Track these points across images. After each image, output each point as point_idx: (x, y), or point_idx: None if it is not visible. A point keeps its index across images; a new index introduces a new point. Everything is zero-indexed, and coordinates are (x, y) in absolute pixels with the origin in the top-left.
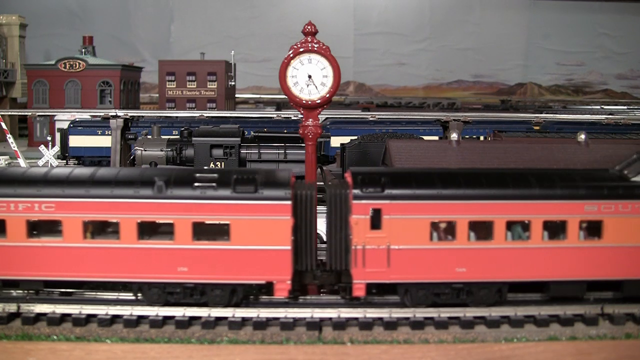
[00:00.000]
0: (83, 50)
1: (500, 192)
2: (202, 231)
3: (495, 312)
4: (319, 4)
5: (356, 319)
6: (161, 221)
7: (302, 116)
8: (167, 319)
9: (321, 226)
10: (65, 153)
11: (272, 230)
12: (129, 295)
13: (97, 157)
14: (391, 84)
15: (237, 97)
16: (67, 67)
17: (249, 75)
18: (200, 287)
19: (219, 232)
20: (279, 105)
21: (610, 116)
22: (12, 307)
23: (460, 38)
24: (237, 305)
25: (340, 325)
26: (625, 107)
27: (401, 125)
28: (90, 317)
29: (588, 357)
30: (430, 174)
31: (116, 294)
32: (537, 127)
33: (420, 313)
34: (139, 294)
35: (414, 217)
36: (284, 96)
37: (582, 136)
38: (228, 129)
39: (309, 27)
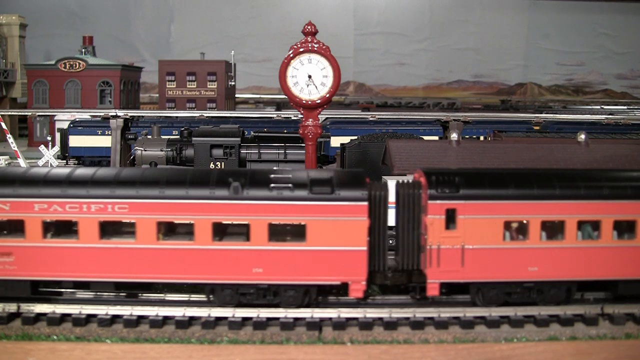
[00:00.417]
0: (83, 50)
1: (572, 192)
2: (276, 232)
3: (495, 312)
4: (319, 4)
5: (356, 319)
6: (237, 222)
7: (302, 116)
8: (167, 319)
9: None
10: (65, 153)
11: (348, 231)
12: (200, 297)
13: (97, 157)
14: (391, 84)
15: (237, 97)
16: (67, 67)
17: (249, 75)
18: (273, 288)
19: (294, 233)
20: (279, 105)
21: (610, 116)
22: (12, 307)
23: (460, 38)
24: (308, 305)
25: (340, 325)
26: (625, 107)
27: (401, 125)
28: (90, 317)
29: (588, 357)
30: (503, 174)
31: (187, 295)
32: (537, 127)
33: (420, 313)
34: (211, 296)
35: (488, 217)
36: (284, 96)
37: (582, 136)
38: (228, 129)
39: (309, 27)
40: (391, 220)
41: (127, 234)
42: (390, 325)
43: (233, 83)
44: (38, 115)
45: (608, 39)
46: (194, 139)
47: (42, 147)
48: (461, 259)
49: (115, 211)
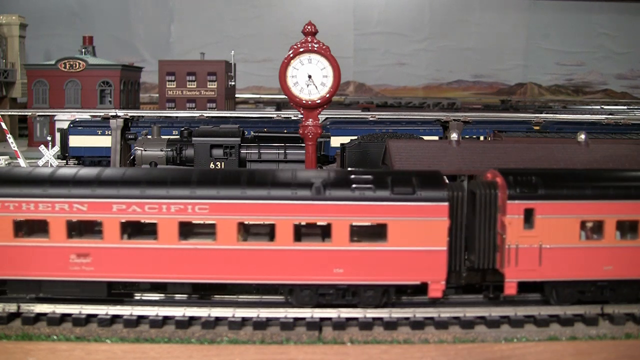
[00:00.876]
0: (83, 50)
1: None
2: (356, 232)
3: (495, 312)
4: (319, 4)
5: (356, 319)
6: (319, 223)
7: (302, 116)
8: (167, 319)
9: None
10: (65, 153)
11: (429, 231)
12: (277, 298)
13: (97, 157)
14: (391, 84)
15: (237, 97)
16: (67, 67)
17: (249, 75)
18: (353, 289)
19: (375, 233)
20: (279, 105)
21: (610, 116)
22: (12, 307)
23: (460, 38)
24: (385, 305)
25: (340, 325)
26: (625, 107)
27: (401, 125)
28: (90, 317)
29: (588, 357)
30: (579, 174)
31: (259, 296)
32: (537, 127)
33: (420, 313)
34: (289, 297)
35: (565, 217)
36: (284, 96)
37: (582, 136)
38: (228, 129)
39: (309, 27)
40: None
41: (204, 234)
42: (390, 325)
43: (233, 83)
44: (38, 115)
45: (608, 39)
46: (194, 139)
47: (42, 147)
48: (538, 258)
49: (196, 212)
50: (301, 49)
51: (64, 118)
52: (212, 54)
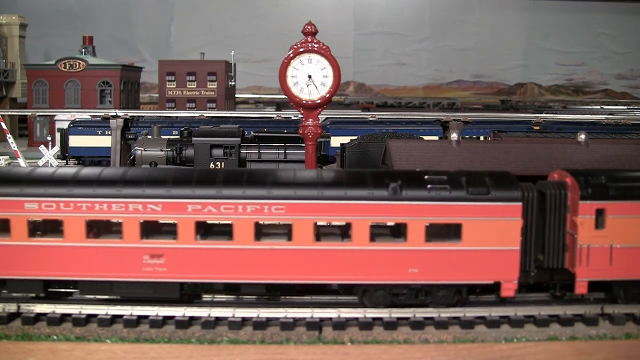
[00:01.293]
0: (83, 50)
1: None
2: (430, 232)
3: (495, 312)
4: (319, 4)
5: (356, 319)
6: (394, 223)
7: (302, 116)
8: (167, 319)
9: None
10: (65, 153)
11: (503, 231)
12: (351, 298)
13: (97, 157)
14: (391, 84)
15: (237, 97)
16: (67, 67)
17: (249, 75)
18: (426, 288)
19: (448, 233)
20: (279, 105)
21: (610, 116)
22: (12, 307)
23: (460, 38)
24: (454, 305)
25: (340, 325)
26: (625, 107)
27: (401, 125)
28: (90, 317)
29: (588, 357)
30: None
31: (334, 297)
32: (537, 127)
33: (420, 313)
34: (363, 297)
35: (635, 217)
36: (284, 96)
37: (582, 136)
38: (228, 129)
39: (309, 27)
40: None
41: (273, 235)
42: (390, 325)
43: (233, 83)
44: (38, 115)
45: (608, 39)
46: (194, 139)
47: (42, 147)
48: (609, 257)
49: (272, 212)
50: (301, 49)
51: (64, 118)
52: (212, 54)
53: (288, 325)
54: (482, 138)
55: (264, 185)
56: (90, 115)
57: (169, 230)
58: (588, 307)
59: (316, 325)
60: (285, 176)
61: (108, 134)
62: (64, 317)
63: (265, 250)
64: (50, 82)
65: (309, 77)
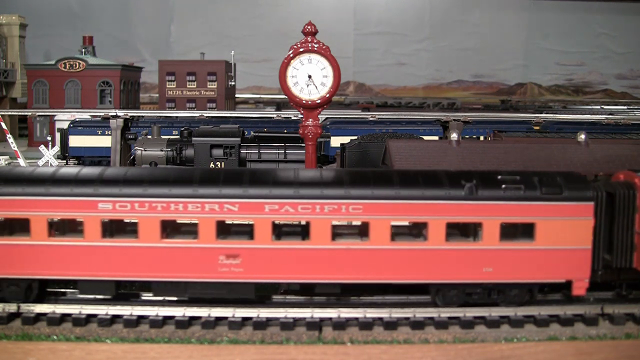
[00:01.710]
0: (83, 50)
1: None
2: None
3: (495, 312)
4: (319, 4)
5: (356, 319)
6: (467, 222)
7: (302, 116)
8: (167, 319)
9: None
10: (65, 153)
11: (575, 231)
12: (421, 298)
13: (97, 157)
14: (391, 84)
15: (237, 97)
16: (67, 67)
17: (249, 75)
18: (499, 287)
19: (521, 232)
20: (279, 105)
21: (610, 116)
22: (12, 307)
23: (460, 38)
24: (526, 304)
25: (340, 325)
26: (625, 107)
27: (401, 125)
28: (90, 317)
29: (588, 357)
30: None
31: (405, 296)
32: (537, 127)
33: (420, 313)
34: (436, 297)
35: None
36: (284, 96)
37: (582, 136)
38: (228, 129)
39: (309, 27)
40: None
41: (347, 235)
42: (390, 325)
43: (233, 83)
44: (38, 115)
45: (608, 39)
46: (194, 139)
47: (42, 147)
48: None
49: (349, 212)
50: (301, 49)
51: (64, 118)
52: (212, 54)
53: (288, 325)
54: (482, 138)
55: (342, 185)
56: (90, 115)
57: (239, 231)
58: (588, 307)
59: (316, 325)
60: (362, 176)
61: (108, 134)
62: (64, 317)
63: (341, 250)
64: (50, 82)
65: (309, 77)
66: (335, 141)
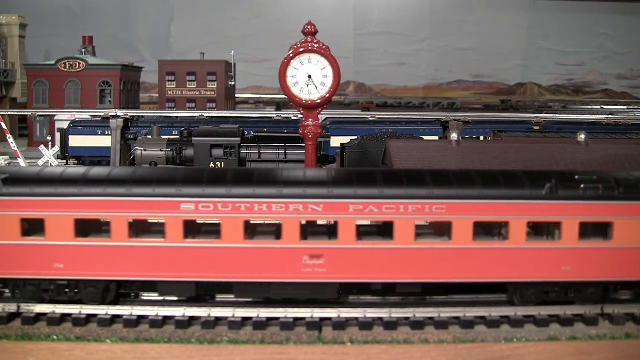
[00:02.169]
0: (83, 50)
1: None
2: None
3: (495, 312)
4: (319, 4)
5: (356, 319)
6: (547, 221)
7: (302, 116)
8: (167, 319)
9: None
10: (65, 153)
11: None
12: (496, 297)
13: (97, 157)
14: (391, 84)
15: (237, 97)
16: (67, 67)
17: (249, 75)
18: (576, 286)
19: (596, 231)
20: (279, 105)
21: (610, 116)
22: (12, 307)
23: (460, 38)
24: (598, 302)
25: (340, 325)
26: (625, 107)
27: (401, 125)
28: (90, 317)
29: (588, 357)
30: None
31: (474, 296)
32: (537, 127)
33: (420, 313)
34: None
35: None
36: (284, 96)
37: (582, 136)
38: (228, 129)
39: (308, 27)
40: None
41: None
42: (390, 325)
43: (233, 83)
44: (38, 115)
45: (608, 39)
46: (194, 139)
47: (42, 147)
48: None
49: (433, 212)
50: (301, 49)
51: (64, 118)
52: (212, 54)
53: (288, 325)
54: (482, 138)
55: (425, 184)
56: (90, 115)
57: (317, 232)
58: (588, 307)
59: (316, 325)
60: (445, 175)
61: (108, 134)
62: (64, 317)
63: (424, 249)
64: (50, 82)
65: (309, 77)
66: (335, 141)
